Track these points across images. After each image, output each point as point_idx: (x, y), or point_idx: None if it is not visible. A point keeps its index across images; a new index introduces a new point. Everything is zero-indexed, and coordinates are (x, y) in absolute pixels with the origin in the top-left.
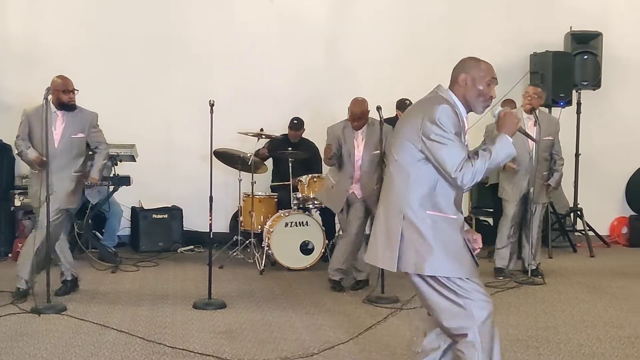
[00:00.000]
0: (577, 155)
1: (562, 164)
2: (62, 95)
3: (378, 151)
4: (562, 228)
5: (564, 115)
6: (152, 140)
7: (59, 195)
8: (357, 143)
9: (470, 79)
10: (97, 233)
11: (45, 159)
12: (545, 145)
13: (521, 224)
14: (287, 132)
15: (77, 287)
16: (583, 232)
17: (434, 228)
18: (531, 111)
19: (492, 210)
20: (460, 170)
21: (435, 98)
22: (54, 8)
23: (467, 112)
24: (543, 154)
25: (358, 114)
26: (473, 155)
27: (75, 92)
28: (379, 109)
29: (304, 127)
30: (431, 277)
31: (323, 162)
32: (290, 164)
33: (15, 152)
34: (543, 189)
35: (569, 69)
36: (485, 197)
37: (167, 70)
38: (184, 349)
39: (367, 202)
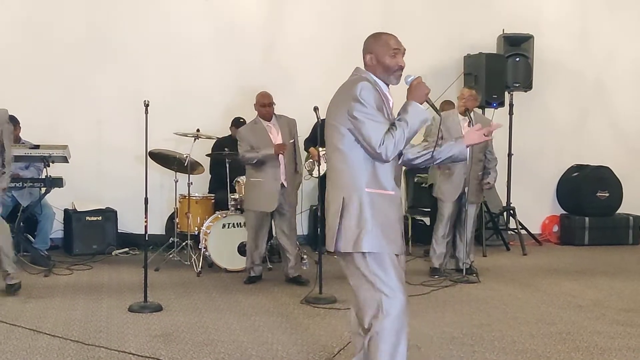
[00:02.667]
0: (509, 155)
1: (496, 164)
2: None
3: (293, 140)
4: (495, 227)
5: (496, 116)
6: (84, 141)
7: None
8: (273, 135)
9: (375, 57)
10: (29, 236)
11: None
12: (480, 146)
13: (455, 224)
14: (229, 133)
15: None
16: (516, 230)
17: (372, 206)
18: (465, 112)
19: (429, 210)
20: (383, 144)
21: (356, 78)
22: None
23: (388, 86)
24: (478, 155)
25: (268, 101)
26: (391, 127)
27: None
28: (316, 109)
29: None
30: (363, 258)
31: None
32: (227, 165)
33: None
34: (478, 189)
35: (501, 71)
36: (422, 197)
37: (99, 69)
38: (120, 351)
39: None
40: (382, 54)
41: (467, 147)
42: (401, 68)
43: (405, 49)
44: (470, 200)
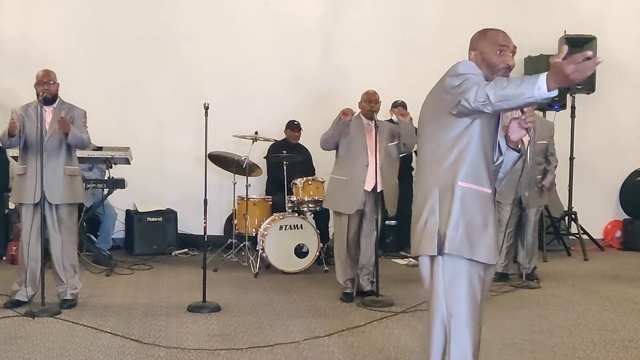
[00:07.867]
0: (571, 159)
1: (556, 166)
2: (37, 88)
3: (394, 143)
4: (556, 232)
5: (558, 119)
6: (146, 143)
7: (50, 191)
8: (368, 134)
9: (479, 54)
10: (92, 236)
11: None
12: (540, 149)
13: (517, 228)
14: (284, 136)
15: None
16: (577, 235)
17: (462, 202)
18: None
19: None
20: (469, 91)
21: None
22: (48, 10)
23: None
24: (537, 158)
25: (374, 98)
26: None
27: (52, 84)
28: (374, 111)
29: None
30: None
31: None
32: (284, 168)
33: (9, 153)
34: (537, 193)
35: None
36: None
37: (160, 72)
38: (179, 348)
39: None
40: (487, 50)
41: (515, 147)
42: (508, 67)
43: (515, 48)
44: (531, 204)
